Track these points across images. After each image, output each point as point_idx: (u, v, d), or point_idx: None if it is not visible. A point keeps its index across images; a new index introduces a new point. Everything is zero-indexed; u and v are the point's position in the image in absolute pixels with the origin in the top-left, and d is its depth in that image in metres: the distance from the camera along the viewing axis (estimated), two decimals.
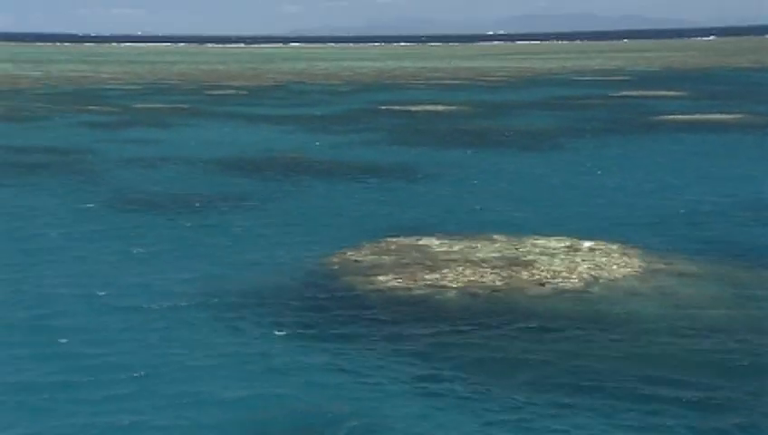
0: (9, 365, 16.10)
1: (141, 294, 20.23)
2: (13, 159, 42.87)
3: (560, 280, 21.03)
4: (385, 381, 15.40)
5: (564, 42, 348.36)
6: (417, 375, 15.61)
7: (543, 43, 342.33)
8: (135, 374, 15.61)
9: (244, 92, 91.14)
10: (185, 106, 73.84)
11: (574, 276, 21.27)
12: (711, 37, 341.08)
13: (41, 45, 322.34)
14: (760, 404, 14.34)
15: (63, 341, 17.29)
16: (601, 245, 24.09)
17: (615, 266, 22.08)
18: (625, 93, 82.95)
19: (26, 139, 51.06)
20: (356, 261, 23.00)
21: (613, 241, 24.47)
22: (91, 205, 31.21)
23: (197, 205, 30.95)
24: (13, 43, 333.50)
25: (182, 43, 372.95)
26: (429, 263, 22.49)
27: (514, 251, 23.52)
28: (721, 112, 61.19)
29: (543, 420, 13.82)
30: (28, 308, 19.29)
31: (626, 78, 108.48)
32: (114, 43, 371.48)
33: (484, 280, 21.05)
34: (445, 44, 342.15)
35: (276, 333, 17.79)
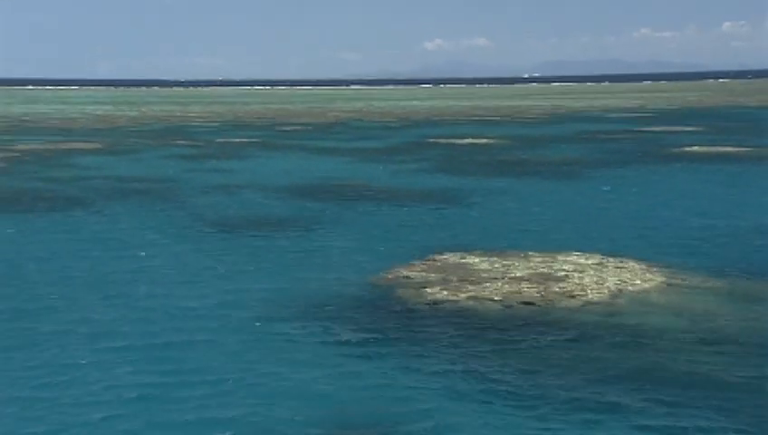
0: (118, 369, 16.20)
1: (224, 307, 20.28)
2: (113, 186, 43.43)
3: (589, 293, 20.78)
4: (432, 382, 15.28)
5: (592, 83, 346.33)
6: (460, 377, 15.48)
7: (574, 84, 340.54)
8: (220, 377, 15.68)
9: (310, 128, 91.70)
10: (259, 140, 74.46)
11: (602, 290, 21.01)
12: (720, 80, 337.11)
13: (137, 90, 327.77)
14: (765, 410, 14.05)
15: (162, 348, 17.37)
16: (626, 262, 23.79)
17: (638, 281, 21.77)
18: (647, 128, 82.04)
19: (125, 169, 51.74)
20: (407, 276, 22.91)
21: (637, 259, 24.15)
22: (180, 227, 31.51)
23: (270, 227, 31.11)
24: (113, 88, 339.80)
25: (256, 87, 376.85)
26: (472, 278, 22.34)
27: (548, 267, 23.29)
28: (733, 146, 60.29)
29: (573, 421, 13.64)
30: (131, 322, 19.31)
31: (648, 115, 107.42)
32: (199, 88, 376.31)
33: (521, 293, 20.86)
34: (486, 86, 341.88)
35: (340, 339, 17.74)
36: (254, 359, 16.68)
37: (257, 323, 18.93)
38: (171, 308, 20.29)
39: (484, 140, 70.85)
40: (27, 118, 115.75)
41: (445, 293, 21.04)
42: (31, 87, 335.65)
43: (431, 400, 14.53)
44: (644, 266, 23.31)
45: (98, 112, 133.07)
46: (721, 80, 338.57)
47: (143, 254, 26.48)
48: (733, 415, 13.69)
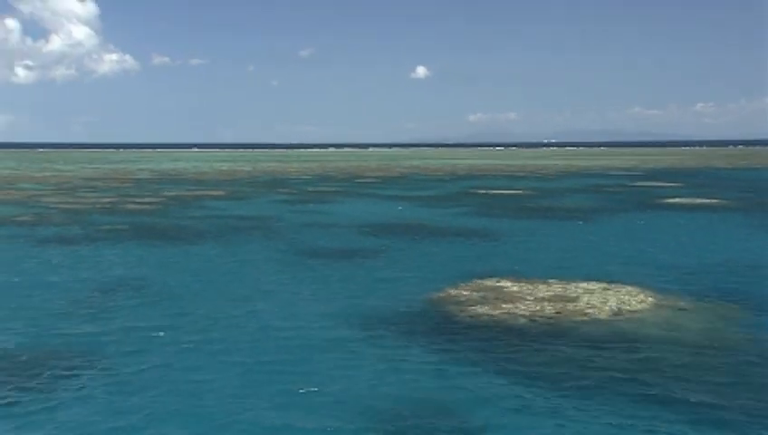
0: (227, 371, 16.27)
1: (320, 322, 20.14)
2: (232, 224, 44.16)
3: (595, 311, 20.43)
4: (474, 376, 15.20)
5: (596, 148, 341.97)
6: (495, 375, 15.35)
7: (582, 148, 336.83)
8: (308, 375, 15.78)
9: (380, 180, 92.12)
10: (341, 189, 75.05)
11: (605, 309, 20.64)
12: (695, 147, 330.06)
13: (251, 151, 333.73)
14: (738, 406, 13.59)
15: (271, 353, 17.35)
16: (625, 287, 23.34)
17: (634, 302, 21.34)
18: (639, 183, 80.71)
19: (242, 210, 52.60)
20: (455, 296, 22.79)
21: (633, 285, 23.69)
22: (281, 256, 31.82)
23: (349, 256, 31.24)
24: (233, 150, 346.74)
25: (341, 148, 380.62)
26: (505, 298, 22.14)
27: (564, 290, 22.97)
28: (707, 198, 58.95)
29: (581, 411, 13.36)
30: (250, 333, 19.49)
31: (639, 173, 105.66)
32: (298, 149, 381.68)
33: (543, 310, 20.60)
34: (515, 149, 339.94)
35: (401, 346, 17.66)
36: (333, 359, 16.75)
37: (337, 334, 18.87)
38: (281, 322, 20.17)
39: (514, 191, 70.40)
40: (172, 172, 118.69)
41: (484, 308, 20.88)
42: (177, 150, 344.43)
43: (473, 388, 14.46)
44: (639, 291, 22.85)
45: (222, 168, 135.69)
46: (695, 147, 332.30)
47: (257, 278, 26.68)
48: (715, 407, 13.32)
